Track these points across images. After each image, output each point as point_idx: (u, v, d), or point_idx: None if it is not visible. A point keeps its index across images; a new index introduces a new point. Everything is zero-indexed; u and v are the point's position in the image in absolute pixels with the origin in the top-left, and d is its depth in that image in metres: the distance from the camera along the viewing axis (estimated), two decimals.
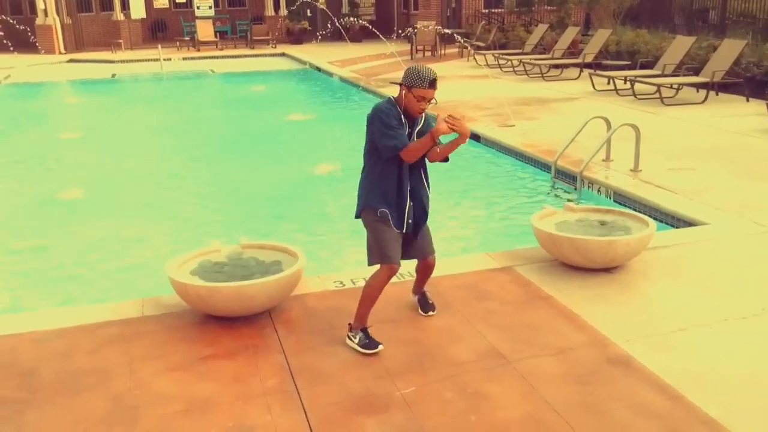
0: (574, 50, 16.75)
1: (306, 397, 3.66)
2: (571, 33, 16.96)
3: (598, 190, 7.41)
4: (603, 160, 8.06)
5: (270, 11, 28.22)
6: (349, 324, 4.17)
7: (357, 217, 4.16)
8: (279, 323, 4.46)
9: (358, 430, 3.39)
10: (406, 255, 4.22)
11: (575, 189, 7.64)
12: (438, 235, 6.72)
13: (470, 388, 3.71)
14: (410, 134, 3.97)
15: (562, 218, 5.45)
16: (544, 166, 8.47)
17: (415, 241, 4.22)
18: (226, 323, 4.44)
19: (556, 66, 16.00)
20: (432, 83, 3.83)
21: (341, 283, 5.03)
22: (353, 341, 4.09)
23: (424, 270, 4.46)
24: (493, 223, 7.13)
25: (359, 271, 5.55)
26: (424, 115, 4.04)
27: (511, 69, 16.73)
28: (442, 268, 5.29)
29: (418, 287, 4.61)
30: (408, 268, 4.92)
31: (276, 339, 4.28)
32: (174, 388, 3.78)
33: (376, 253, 4.06)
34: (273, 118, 12.86)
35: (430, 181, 4.24)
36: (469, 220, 7.18)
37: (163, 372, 3.93)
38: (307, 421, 3.47)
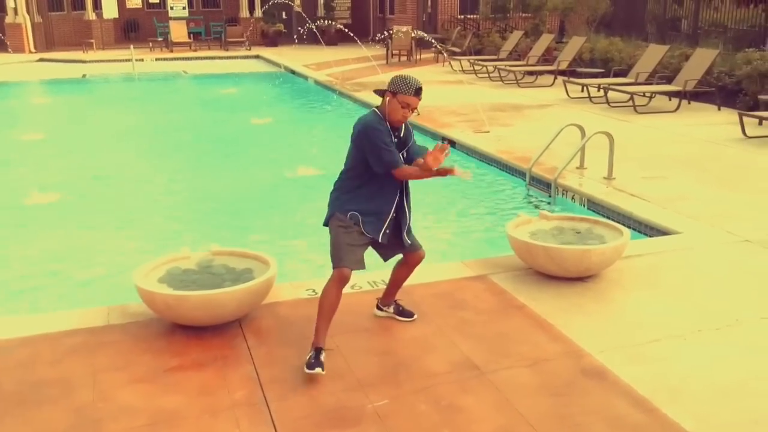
0: (548, 57, 16.83)
1: (275, 410, 3.56)
2: (545, 40, 17.04)
3: (572, 198, 7.41)
4: (577, 168, 8.07)
5: (245, 13, 28.03)
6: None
7: (325, 224, 4.09)
8: (249, 333, 4.36)
9: None
10: (393, 252, 4.26)
11: (550, 196, 7.63)
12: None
13: (444, 400, 3.64)
14: (397, 141, 3.98)
15: (537, 226, 5.42)
16: (518, 173, 8.46)
17: (401, 239, 4.18)
18: (194, 333, 4.32)
19: (531, 73, 16.07)
20: (417, 91, 3.87)
21: (314, 291, 4.93)
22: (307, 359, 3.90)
23: (409, 266, 4.36)
24: (467, 230, 7.09)
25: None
26: (405, 124, 4.04)
27: (486, 75, 16.77)
28: (416, 276, 5.19)
29: (390, 295, 4.49)
30: (382, 275, 4.86)
31: (246, 349, 4.17)
32: (139, 400, 3.66)
33: (333, 256, 3.98)
34: (244, 121, 12.72)
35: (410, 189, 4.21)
36: (443, 226, 7.13)
37: (128, 384, 3.81)
38: None
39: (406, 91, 3.84)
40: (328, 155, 9.68)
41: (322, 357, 3.85)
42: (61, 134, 11.86)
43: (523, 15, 22.77)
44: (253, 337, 4.30)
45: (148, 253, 5.95)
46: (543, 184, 7.89)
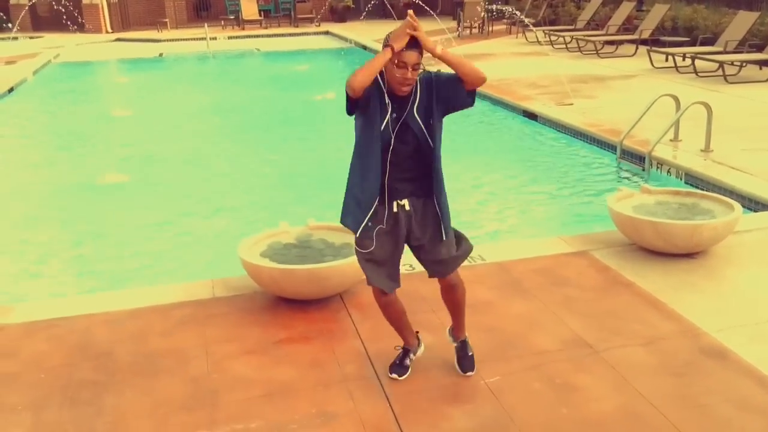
0: (629, 26, 16.25)
1: (387, 384, 3.55)
2: (626, 8, 16.44)
3: (668, 171, 7.14)
4: (671, 140, 7.77)
5: None
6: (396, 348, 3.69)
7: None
8: (352, 307, 4.36)
9: (445, 421, 3.28)
10: (422, 262, 3.55)
11: (643, 170, 7.37)
12: (502, 216, 6.62)
13: (558, 378, 3.56)
14: (398, 119, 3.16)
15: (640, 200, 5.23)
16: (608, 147, 8.20)
17: (419, 247, 3.45)
18: (299, 306, 4.34)
19: (611, 42, 15.55)
20: (415, 43, 3.01)
21: (411, 266, 4.88)
22: None
23: (444, 291, 3.58)
24: (559, 205, 6.93)
25: None
26: (420, 91, 3.17)
27: (564, 45, 16.32)
28: (514, 251, 5.18)
29: (453, 322, 3.69)
30: (480, 250, 4.78)
31: (351, 323, 4.18)
32: (252, 372, 3.71)
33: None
34: (321, 96, 12.73)
35: None
36: (533, 201, 6.99)
37: (240, 355, 3.86)
38: (391, 409, 3.37)
39: (399, 49, 3.00)
40: None
41: (408, 361, 3.61)
42: (147, 111, 12.12)
43: None
44: (357, 312, 4.30)
45: (243, 229, 6.01)
46: (635, 158, 7.62)
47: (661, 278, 4.59)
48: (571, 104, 10.08)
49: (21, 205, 7.33)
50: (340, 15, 26.39)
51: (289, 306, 4.36)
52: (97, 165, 8.59)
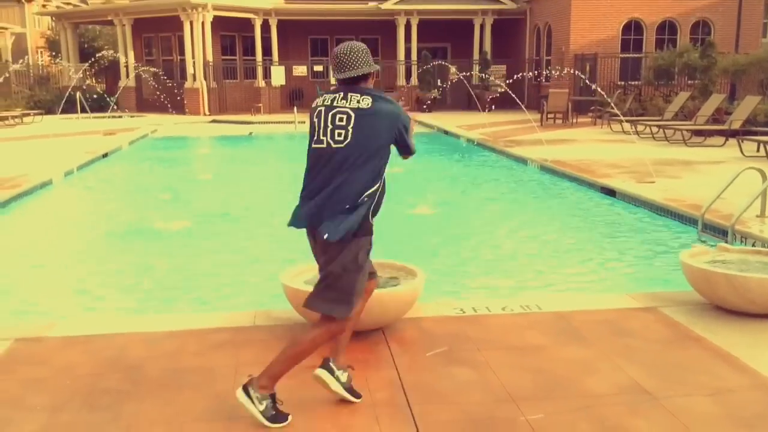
0: (718, 117, 15.80)
1: (419, 413, 3.28)
2: (715, 100, 16.04)
3: (753, 245, 6.64)
4: (757, 216, 7.29)
5: (401, 81, 28.88)
6: (251, 377, 3.23)
7: (341, 239, 3.10)
8: (392, 341, 4.13)
9: None
10: None
11: (726, 243, 6.89)
12: (572, 276, 6.27)
13: (609, 421, 3.20)
14: None
15: (715, 257, 4.84)
16: (688, 221, 7.77)
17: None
18: None
19: (699, 133, 15.10)
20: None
21: (461, 310, 4.65)
22: (254, 404, 3.14)
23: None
24: (633, 278, 6.50)
25: (482, 299, 5.20)
26: None
27: (650, 135, 15.98)
28: (575, 302, 4.86)
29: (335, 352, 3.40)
30: (537, 299, 4.50)
31: (389, 355, 3.94)
32: (278, 392, 3.50)
33: (355, 292, 3.22)
34: (390, 171, 12.79)
35: None
36: (607, 275, 6.58)
37: None
38: None
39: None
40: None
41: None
42: (226, 177, 12.50)
43: (690, 82, 21.73)
44: (397, 345, 4.07)
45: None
46: (718, 232, 7.16)
47: (735, 335, 4.16)
48: (653, 182, 9.71)
49: (97, 242, 7.54)
50: (426, 105, 27.00)
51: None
52: (167, 214, 8.82)
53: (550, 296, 5.10)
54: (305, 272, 4.54)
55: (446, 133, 19.25)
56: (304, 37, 30.58)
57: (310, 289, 4.18)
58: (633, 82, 23.84)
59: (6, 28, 39.24)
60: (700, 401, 3.37)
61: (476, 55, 28.18)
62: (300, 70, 29.66)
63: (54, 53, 34.09)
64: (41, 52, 43.60)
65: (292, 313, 4.44)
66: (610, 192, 9.61)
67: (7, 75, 23.97)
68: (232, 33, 28.83)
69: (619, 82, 24.30)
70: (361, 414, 3.28)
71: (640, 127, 16.54)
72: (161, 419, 3.26)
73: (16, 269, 6.60)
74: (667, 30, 24.70)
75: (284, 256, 6.92)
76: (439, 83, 27.14)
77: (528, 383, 3.56)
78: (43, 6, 44.10)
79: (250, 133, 20.74)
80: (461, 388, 3.48)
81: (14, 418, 3.28)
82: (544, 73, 24.63)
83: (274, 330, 4.34)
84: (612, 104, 17.61)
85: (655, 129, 15.93)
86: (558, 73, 20.51)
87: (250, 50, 29.08)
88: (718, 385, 3.52)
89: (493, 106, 24.10)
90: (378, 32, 29.84)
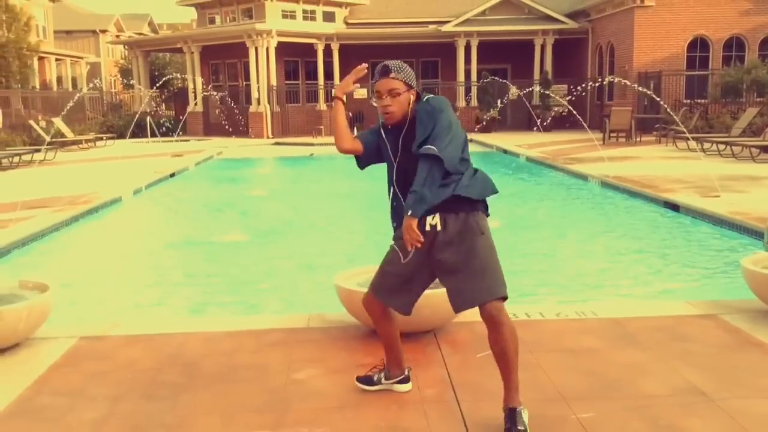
0: None
1: (467, 410, 3.28)
2: None
3: None
4: None
5: (461, 102, 28.94)
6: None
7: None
8: (444, 343, 4.14)
9: None
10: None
11: None
12: (629, 287, 6.15)
13: (663, 420, 3.13)
14: (395, 142, 3.20)
15: None
16: (754, 234, 7.53)
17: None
18: None
19: None
20: (382, 72, 3.08)
21: (515, 315, 4.62)
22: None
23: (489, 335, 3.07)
24: (694, 285, 6.34)
25: (534, 305, 5.17)
26: (409, 117, 3.11)
27: (716, 152, 15.55)
28: (632, 309, 4.78)
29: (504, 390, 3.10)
30: (593, 306, 4.44)
31: (439, 356, 3.96)
32: (329, 387, 3.57)
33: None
34: None
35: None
36: (665, 279, 6.45)
37: (322, 374, 3.75)
38: (467, 430, 3.08)
39: (374, 81, 3.11)
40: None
41: (376, 377, 3.49)
42: (282, 193, 12.78)
43: (759, 99, 21.09)
44: (448, 347, 4.08)
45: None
46: None
47: None
48: (718, 196, 9.45)
49: (159, 252, 7.79)
50: (486, 126, 26.95)
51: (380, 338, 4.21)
52: (223, 227, 9.07)
53: (606, 303, 5.02)
54: (358, 275, 4.60)
55: (505, 152, 19.16)
56: (365, 60, 30.89)
57: (364, 290, 4.26)
58: (699, 100, 23.28)
59: (81, 58, 41.08)
60: (758, 403, 3.26)
61: (537, 75, 28.00)
62: (360, 93, 30.02)
63: (126, 80, 35.47)
64: (114, 81, 45.48)
65: (346, 315, 4.51)
66: (673, 207, 9.39)
67: (80, 100, 25.08)
68: (295, 58, 29.46)
69: (684, 100, 23.76)
70: (410, 408, 3.31)
71: (706, 145, 16.13)
72: (215, 410, 3.35)
73: (85, 275, 6.88)
74: (735, 46, 24.07)
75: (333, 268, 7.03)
76: (499, 103, 27.08)
77: (580, 384, 3.52)
78: (117, 36, 46.09)
79: (311, 155, 21.09)
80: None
81: (76, 407, 3.42)
82: (606, 85, 24.29)
83: (328, 331, 4.41)
84: (678, 122, 17.24)
85: (722, 146, 15.50)
86: (623, 83, 20.12)
87: (312, 74, 29.64)
88: None
89: (554, 127, 23.94)
90: (438, 54, 30.05)
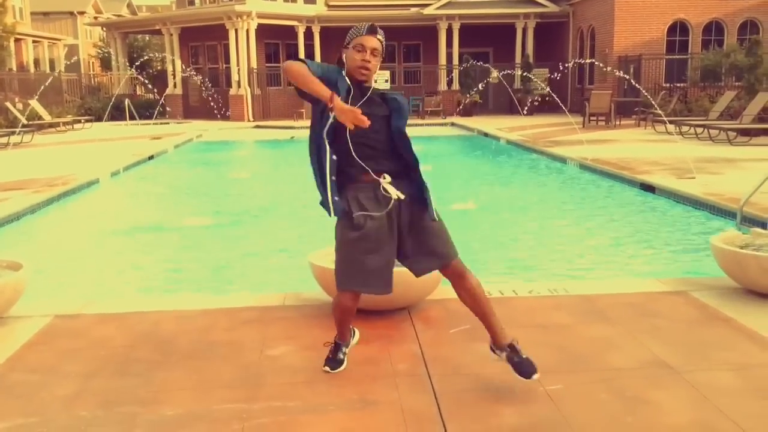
0: (765, 117, 15.44)
1: (438, 382, 3.33)
2: (762, 99, 15.67)
3: None
4: None
5: (443, 86, 28.93)
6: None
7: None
8: (417, 319, 4.19)
9: (493, 417, 3.00)
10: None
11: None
12: (602, 265, 6.23)
13: (629, 392, 3.20)
14: (349, 103, 3.07)
15: (748, 241, 4.78)
16: (727, 214, 7.64)
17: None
18: (364, 315, 4.17)
19: (745, 132, 14.79)
20: (371, 29, 3.11)
21: (488, 292, 4.66)
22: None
23: (458, 288, 3.29)
24: (665, 263, 6.44)
25: (507, 283, 5.22)
26: (388, 94, 3.24)
27: (694, 135, 15.71)
28: (604, 286, 4.85)
29: (491, 333, 3.28)
30: (565, 284, 4.50)
31: (413, 332, 4.00)
32: (302, 363, 3.60)
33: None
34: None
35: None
36: (637, 258, 6.55)
37: (295, 351, 3.78)
38: (437, 403, 3.13)
39: (357, 34, 3.10)
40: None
41: (341, 354, 3.51)
42: (261, 176, 12.77)
43: (737, 83, 21.29)
44: (421, 323, 4.13)
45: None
46: (757, 224, 7.01)
47: (765, 316, 4.11)
48: (693, 178, 9.56)
49: (136, 234, 7.76)
50: (467, 109, 26.97)
51: (356, 316, 4.24)
52: (201, 209, 9.03)
53: (579, 282, 5.09)
54: (332, 254, 4.62)
55: (486, 135, 19.22)
56: None
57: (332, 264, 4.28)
58: (679, 84, 23.46)
59: (59, 39, 40.52)
60: (722, 375, 3.34)
61: (518, 59, 28.04)
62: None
63: (104, 63, 35.07)
64: (92, 63, 44.93)
65: (321, 293, 4.53)
66: (649, 188, 9.50)
67: (56, 82, 24.78)
68: (276, 41, 29.25)
69: (664, 84, 23.94)
70: (382, 382, 3.35)
71: (684, 128, 16.28)
72: (189, 385, 3.38)
73: (61, 256, 6.85)
74: (714, 31, 24.26)
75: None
76: (479, 87, 27.11)
77: (549, 358, 3.58)
78: (95, 18, 45.48)
79: (292, 138, 21.01)
80: (482, 362, 3.50)
81: (48, 383, 3.43)
82: (587, 69, 24.38)
83: (302, 309, 4.44)
84: (656, 105, 17.37)
85: (699, 129, 15.65)
86: (603, 67, 20.22)
87: (293, 57, 29.29)
88: (743, 361, 3.48)
89: (535, 111, 24.01)
90: (420, 38, 29.96)
